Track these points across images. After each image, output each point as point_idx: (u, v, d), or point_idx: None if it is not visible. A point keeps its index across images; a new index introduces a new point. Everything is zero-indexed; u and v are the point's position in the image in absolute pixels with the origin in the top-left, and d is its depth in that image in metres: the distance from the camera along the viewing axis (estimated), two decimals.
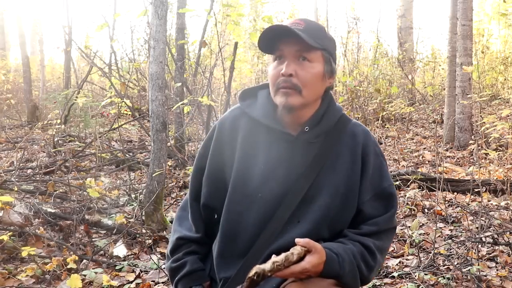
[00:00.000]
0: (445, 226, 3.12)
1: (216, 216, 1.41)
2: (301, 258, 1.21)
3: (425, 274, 2.34)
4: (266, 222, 1.31)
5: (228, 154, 1.37)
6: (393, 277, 2.38)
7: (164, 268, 2.49)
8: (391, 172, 4.46)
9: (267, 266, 1.18)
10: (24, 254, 2.30)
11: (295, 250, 1.21)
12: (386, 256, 2.66)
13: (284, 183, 1.32)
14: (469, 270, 2.32)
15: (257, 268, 1.17)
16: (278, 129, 1.33)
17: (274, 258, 1.18)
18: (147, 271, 2.47)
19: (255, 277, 1.18)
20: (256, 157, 1.34)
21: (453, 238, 2.88)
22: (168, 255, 1.43)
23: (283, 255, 1.19)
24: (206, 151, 1.42)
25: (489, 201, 3.56)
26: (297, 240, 1.21)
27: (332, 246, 1.27)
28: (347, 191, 1.32)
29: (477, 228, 2.83)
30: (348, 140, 1.36)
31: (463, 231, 2.97)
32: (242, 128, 1.37)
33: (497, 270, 2.41)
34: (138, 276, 2.41)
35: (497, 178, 3.87)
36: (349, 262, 1.26)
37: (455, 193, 3.79)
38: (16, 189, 3.38)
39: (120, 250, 2.72)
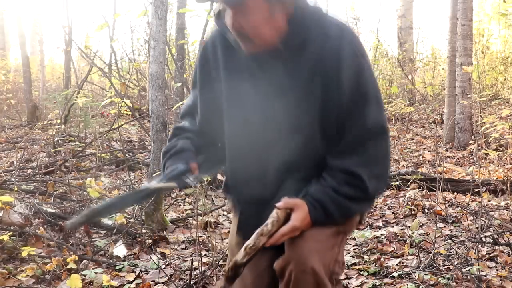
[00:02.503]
0: (445, 226, 3.12)
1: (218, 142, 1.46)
2: (287, 220, 1.24)
3: (425, 274, 2.34)
4: (263, 145, 1.34)
5: (214, 73, 1.39)
6: (393, 277, 2.38)
7: (164, 268, 2.50)
8: (391, 172, 4.46)
9: (238, 256, 1.22)
10: (24, 254, 2.29)
11: (270, 219, 1.24)
12: (386, 256, 2.66)
13: (265, 103, 1.31)
14: (469, 270, 2.32)
15: (230, 263, 1.22)
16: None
17: (246, 243, 1.22)
18: (147, 271, 2.47)
19: (229, 273, 1.23)
20: (238, 77, 1.33)
21: (453, 238, 2.88)
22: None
23: (254, 234, 1.23)
24: (195, 76, 1.46)
25: (489, 201, 3.56)
26: (276, 205, 1.24)
27: (312, 193, 1.27)
28: (323, 101, 1.26)
29: (477, 228, 2.83)
30: (320, 51, 1.25)
31: (463, 231, 2.97)
32: (221, 45, 1.36)
33: (497, 270, 2.41)
34: (138, 276, 2.41)
35: (497, 178, 3.86)
36: (332, 201, 1.26)
37: (455, 193, 3.79)
38: (16, 189, 3.38)
39: (120, 250, 2.72)
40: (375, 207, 3.68)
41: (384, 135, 1.30)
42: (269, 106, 1.31)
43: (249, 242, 1.23)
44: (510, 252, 2.57)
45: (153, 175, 2.97)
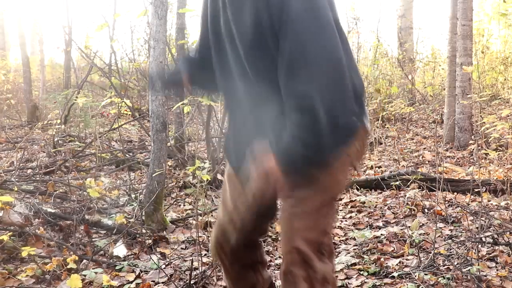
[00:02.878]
0: (445, 226, 3.12)
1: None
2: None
3: (425, 274, 2.34)
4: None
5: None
6: (393, 277, 2.38)
7: (164, 268, 2.50)
8: (391, 172, 4.46)
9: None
10: (24, 254, 2.29)
11: (248, 191, 1.31)
12: (386, 256, 2.66)
13: (229, 32, 1.36)
14: (469, 270, 2.32)
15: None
16: None
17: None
18: (147, 271, 2.47)
19: None
20: (215, 8, 1.41)
21: (453, 238, 2.88)
22: None
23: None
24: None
25: (489, 201, 3.56)
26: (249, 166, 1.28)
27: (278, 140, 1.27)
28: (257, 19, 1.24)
29: (477, 228, 2.83)
30: None
31: (463, 231, 2.97)
32: None
33: (497, 270, 2.41)
34: (138, 276, 2.41)
35: (497, 178, 3.87)
36: (291, 147, 1.23)
37: (455, 193, 3.79)
38: (16, 189, 3.38)
39: (120, 250, 2.72)
40: (375, 207, 3.68)
41: (326, 31, 1.20)
42: (232, 34, 1.34)
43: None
44: (510, 252, 2.57)
45: (153, 175, 2.97)
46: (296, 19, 1.18)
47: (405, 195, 3.75)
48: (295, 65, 1.19)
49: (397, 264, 2.54)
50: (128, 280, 2.36)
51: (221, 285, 2.32)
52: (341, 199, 3.90)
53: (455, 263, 2.43)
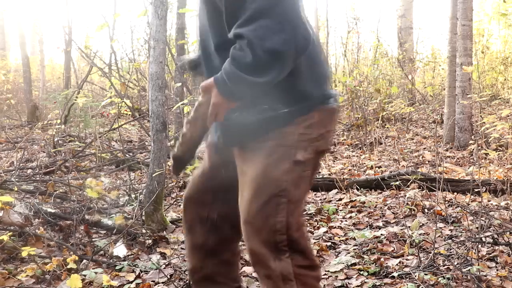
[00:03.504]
0: (445, 226, 3.12)
1: None
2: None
3: (425, 274, 2.34)
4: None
5: None
6: (393, 277, 2.38)
7: (164, 268, 2.50)
8: (391, 172, 4.46)
9: (175, 151, 1.48)
10: (24, 254, 2.29)
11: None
12: (386, 256, 2.66)
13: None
14: (469, 270, 2.32)
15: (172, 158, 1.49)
16: None
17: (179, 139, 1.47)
18: (147, 271, 2.47)
19: (172, 165, 1.49)
20: None
21: (453, 238, 2.88)
22: None
23: (184, 125, 1.46)
24: None
25: (489, 201, 3.56)
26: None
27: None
28: None
29: (477, 228, 2.83)
30: None
31: (463, 231, 2.98)
32: None
33: (497, 270, 2.41)
34: (138, 276, 2.41)
35: (497, 178, 3.87)
36: (227, 69, 1.28)
37: (455, 193, 3.79)
38: (16, 189, 3.38)
39: (120, 250, 2.72)
40: (375, 207, 3.68)
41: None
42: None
43: (182, 133, 1.44)
44: (510, 252, 2.57)
45: (153, 175, 2.97)
46: None
47: (405, 195, 3.75)
48: (242, 11, 1.26)
49: (397, 264, 2.54)
50: (128, 280, 2.36)
51: None
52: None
53: (455, 263, 2.43)
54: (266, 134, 1.39)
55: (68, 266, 2.32)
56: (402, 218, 3.35)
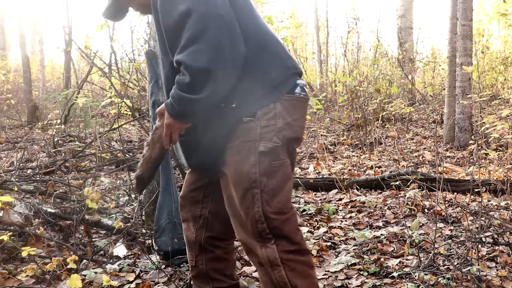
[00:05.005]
0: (445, 226, 3.12)
1: None
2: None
3: (425, 274, 2.34)
4: None
5: None
6: (393, 277, 2.38)
7: (164, 268, 2.49)
8: (391, 172, 4.46)
9: (137, 169, 1.67)
10: (24, 254, 2.29)
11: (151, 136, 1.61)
12: (386, 256, 2.66)
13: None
14: (469, 270, 2.32)
15: (134, 177, 1.68)
16: None
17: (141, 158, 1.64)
18: (147, 271, 2.47)
19: (135, 184, 1.68)
20: None
21: (453, 238, 2.88)
22: None
23: (144, 147, 1.63)
24: None
25: (489, 201, 3.55)
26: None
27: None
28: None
29: (477, 228, 2.83)
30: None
31: (463, 231, 2.97)
32: None
33: (497, 270, 2.41)
34: (138, 276, 2.41)
35: (497, 178, 3.86)
36: (173, 93, 1.46)
37: (455, 193, 3.79)
38: (16, 189, 3.38)
39: (120, 250, 2.72)
40: (375, 207, 3.68)
41: (187, 16, 1.40)
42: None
43: (144, 151, 1.60)
44: (510, 252, 2.57)
45: None
46: (160, 4, 1.46)
47: (405, 195, 3.75)
48: (170, 44, 1.49)
49: (397, 264, 2.54)
50: (128, 280, 2.36)
51: None
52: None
53: (455, 263, 2.43)
54: (234, 133, 1.52)
55: (68, 266, 2.32)
56: (402, 218, 3.35)
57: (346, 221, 3.42)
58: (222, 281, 1.84)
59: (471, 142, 5.55)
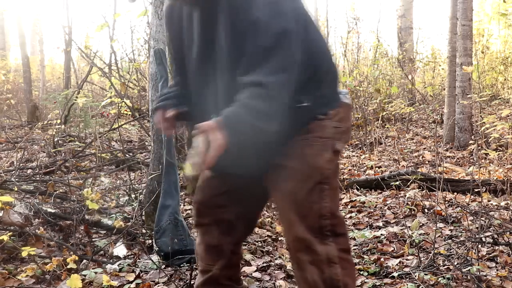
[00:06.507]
0: (445, 226, 3.12)
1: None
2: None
3: (425, 274, 2.34)
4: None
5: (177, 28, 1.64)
6: (393, 277, 2.38)
7: (164, 268, 2.50)
8: (391, 172, 4.46)
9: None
10: (24, 254, 2.29)
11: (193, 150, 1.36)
12: (386, 256, 2.66)
13: (201, 43, 1.53)
14: (469, 270, 2.32)
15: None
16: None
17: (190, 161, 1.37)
18: (147, 271, 2.47)
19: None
20: (187, 27, 1.58)
21: (453, 238, 2.88)
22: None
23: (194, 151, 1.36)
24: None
25: (489, 201, 3.56)
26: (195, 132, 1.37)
27: (223, 112, 1.36)
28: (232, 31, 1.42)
29: (477, 228, 2.83)
30: None
31: (463, 231, 2.97)
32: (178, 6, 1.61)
33: (497, 270, 2.41)
34: (138, 276, 2.41)
35: (497, 178, 3.87)
36: (237, 113, 1.33)
37: (455, 193, 3.79)
38: (16, 189, 3.38)
39: (120, 250, 2.71)
40: (375, 207, 3.68)
41: (284, 42, 1.35)
42: (203, 45, 1.52)
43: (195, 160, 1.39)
44: (510, 252, 2.57)
45: (153, 175, 2.97)
46: (259, 20, 1.36)
47: (405, 195, 3.75)
48: (260, 60, 1.36)
49: (397, 264, 2.54)
50: (128, 280, 2.36)
51: None
52: (337, 185, 3.90)
53: (455, 263, 2.43)
54: (305, 127, 1.50)
55: (68, 266, 2.32)
56: (402, 218, 3.35)
57: (346, 221, 3.42)
58: (232, 286, 1.80)
59: (471, 142, 5.55)
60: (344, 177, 4.46)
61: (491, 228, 2.82)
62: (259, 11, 1.36)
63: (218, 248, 1.73)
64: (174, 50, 1.69)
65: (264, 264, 2.54)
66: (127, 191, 3.81)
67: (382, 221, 3.37)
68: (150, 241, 2.84)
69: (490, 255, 2.58)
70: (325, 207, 1.50)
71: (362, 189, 4.21)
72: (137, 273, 2.44)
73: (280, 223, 1.61)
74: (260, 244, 2.81)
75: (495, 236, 2.63)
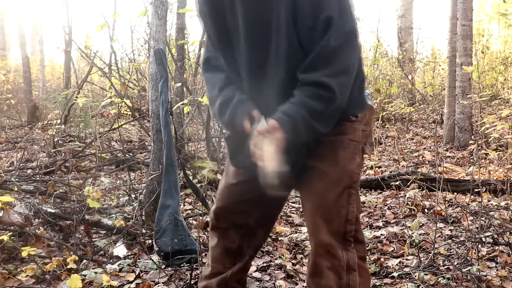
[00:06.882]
0: (445, 226, 3.12)
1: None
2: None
3: (425, 274, 2.34)
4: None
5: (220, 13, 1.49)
6: (393, 277, 2.38)
7: (164, 268, 2.49)
8: (391, 172, 4.46)
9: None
10: (24, 254, 2.29)
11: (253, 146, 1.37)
12: (386, 256, 2.66)
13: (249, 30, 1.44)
14: (469, 270, 2.32)
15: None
16: None
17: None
18: (147, 271, 2.47)
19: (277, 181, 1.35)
20: (230, 10, 1.43)
21: (453, 238, 2.88)
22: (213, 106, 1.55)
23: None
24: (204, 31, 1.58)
25: (489, 201, 3.56)
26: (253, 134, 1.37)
27: (282, 110, 1.36)
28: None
29: (477, 228, 2.83)
30: None
31: (463, 231, 2.97)
32: None
33: (497, 270, 2.41)
34: (138, 276, 2.41)
35: (497, 178, 3.87)
36: (298, 113, 1.33)
37: (455, 193, 3.79)
38: (16, 189, 3.38)
39: (120, 250, 2.71)
40: (375, 207, 3.68)
41: (351, 41, 1.34)
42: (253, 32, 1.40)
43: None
44: (510, 252, 2.57)
45: (153, 175, 2.97)
46: (334, 21, 1.31)
47: (405, 195, 3.75)
48: (324, 59, 1.33)
49: (397, 264, 2.54)
50: (128, 280, 2.36)
51: None
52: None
53: (455, 263, 2.43)
54: (337, 128, 1.45)
55: (68, 266, 2.32)
56: (402, 218, 3.35)
57: None
58: None
59: (471, 142, 5.55)
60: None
61: (491, 228, 2.82)
62: (330, 10, 1.32)
63: (238, 252, 1.71)
64: (219, 41, 1.52)
65: (264, 264, 2.54)
66: (127, 191, 3.81)
67: (382, 221, 3.37)
68: (150, 241, 2.84)
69: (490, 255, 2.58)
70: (352, 212, 1.48)
71: (362, 189, 4.21)
72: (137, 273, 2.44)
73: (306, 226, 1.56)
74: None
75: (495, 236, 2.63)
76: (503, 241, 2.63)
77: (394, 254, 2.72)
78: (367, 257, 2.65)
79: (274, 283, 2.32)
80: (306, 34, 1.34)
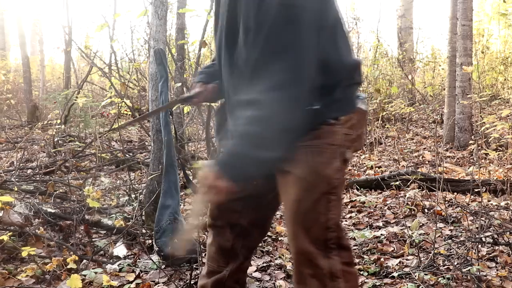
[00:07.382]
0: (445, 226, 3.12)
1: None
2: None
3: (425, 274, 2.34)
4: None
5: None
6: (393, 277, 2.38)
7: (164, 268, 2.49)
8: (391, 172, 4.46)
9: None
10: (24, 254, 2.29)
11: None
12: (386, 256, 2.66)
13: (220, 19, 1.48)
14: (469, 270, 2.32)
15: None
16: None
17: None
18: (147, 271, 2.47)
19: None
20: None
21: (453, 238, 2.88)
22: None
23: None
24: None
25: (489, 201, 3.56)
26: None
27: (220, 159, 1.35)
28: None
29: (477, 228, 2.83)
30: None
31: (463, 231, 2.97)
32: None
33: (497, 270, 2.41)
34: (138, 276, 2.41)
35: (497, 178, 3.87)
36: (234, 150, 1.31)
37: (455, 193, 3.79)
38: (16, 189, 3.38)
39: (120, 250, 2.71)
40: (375, 207, 3.68)
41: (286, 52, 1.24)
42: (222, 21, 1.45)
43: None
44: (510, 252, 2.57)
45: (153, 175, 2.97)
46: (271, 24, 1.23)
47: (405, 195, 3.75)
48: (260, 71, 1.26)
49: (397, 264, 2.54)
50: (128, 280, 2.36)
51: None
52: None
53: (455, 263, 2.43)
54: (313, 133, 1.40)
55: (68, 266, 2.32)
56: (402, 218, 3.35)
57: (346, 221, 3.42)
58: None
59: (471, 142, 5.55)
60: (344, 177, 4.46)
61: (491, 228, 2.82)
62: (253, 20, 1.26)
63: (232, 251, 1.70)
64: (215, 28, 1.57)
65: (264, 264, 2.54)
66: (127, 191, 3.81)
67: (382, 221, 3.37)
68: (150, 241, 2.84)
69: (490, 255, 2.58)
70: (331, 219, 1.43)
71: (362, 189, 4.21)
72: (137, 273, 2.44)
73: (286, 233, 1.53)
74: (260, 244, 2.80)
75: (495, 236, 2.63)
76: (503, 241, 2.63)
77: (394, 254, 2.72)
78: (367, 257, 2.66)
79: (274, 283, 2.33)
80: (242, 46, 1.32)
